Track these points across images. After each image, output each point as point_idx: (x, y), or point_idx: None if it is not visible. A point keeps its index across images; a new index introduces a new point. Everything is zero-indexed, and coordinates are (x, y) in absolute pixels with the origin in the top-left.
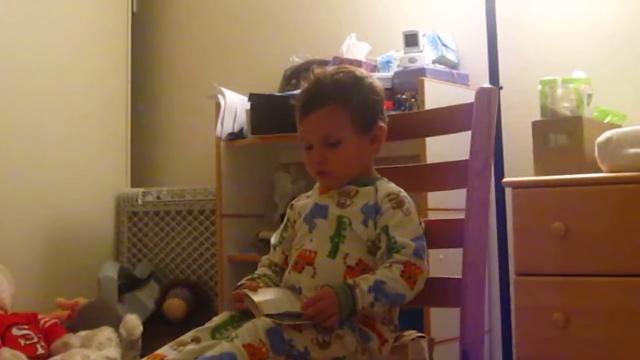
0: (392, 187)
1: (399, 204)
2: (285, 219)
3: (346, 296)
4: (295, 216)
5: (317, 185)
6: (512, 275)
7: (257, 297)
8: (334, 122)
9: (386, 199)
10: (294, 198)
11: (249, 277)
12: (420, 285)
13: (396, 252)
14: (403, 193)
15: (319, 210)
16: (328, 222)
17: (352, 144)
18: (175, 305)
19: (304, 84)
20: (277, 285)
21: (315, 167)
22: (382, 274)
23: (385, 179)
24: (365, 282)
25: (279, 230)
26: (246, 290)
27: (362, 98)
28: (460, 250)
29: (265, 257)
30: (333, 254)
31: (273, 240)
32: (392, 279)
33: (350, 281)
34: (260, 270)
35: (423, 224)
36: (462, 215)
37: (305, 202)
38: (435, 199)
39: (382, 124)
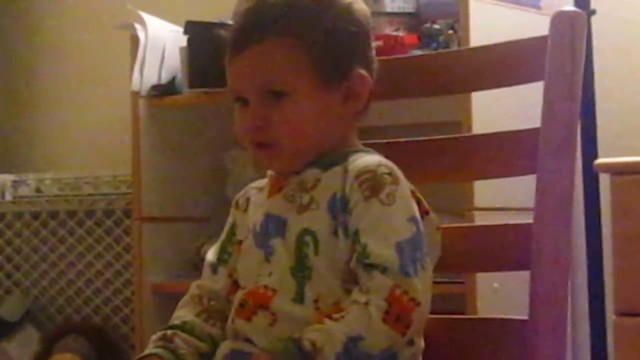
0: (368, 160)
1: (373, 187)
2: (230, 223)
3: None
4: (245, 225)
5: (269, 172)
6: (609, 315)
7: None
8: (279, 62)
9: (355, 183)
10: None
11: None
12: (417, 324)
13: (369, 269)
14: (385, 168)
15: (274, 225)
16: (286, 245)
17: (309, 99)
18: None
19: (242, 6)
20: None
21: (250, 137)
22: (354, 321)
23: (369, 151)
24: (329, 344)
25: (220, 240)
26: None
27: (329, 28)
28: (526, 275)
29: (196, 283)
30: (300, 296)
31: (211, 256)
32: (370, 330)
33: (305, 343)
34: (181, 315)
35: (432, 216)
36: (529, 219)
37: (257, 202)
38: (486, 193)
39: (361, 70)
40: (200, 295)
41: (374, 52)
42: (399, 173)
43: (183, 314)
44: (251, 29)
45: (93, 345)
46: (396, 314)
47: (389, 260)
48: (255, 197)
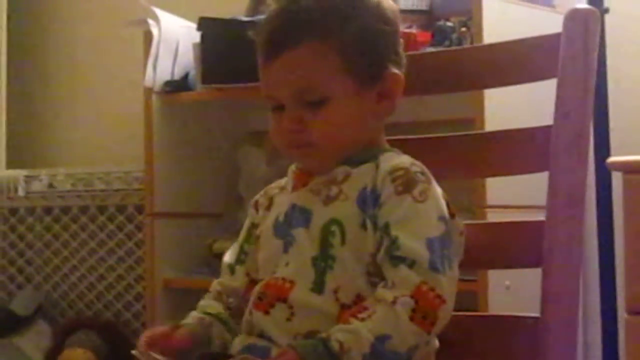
0: (402, 160)
1: (407, 184)
2: (248, 224)
3: None
4: (264, 222)
5: (292, 168)
6: (621, 313)
7: None
8: (316, 68)
9: (388, 177)
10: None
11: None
12: (442, 322)
13: (397, 262)
14: (417, 167)
15: (298, 216)
16: (310, 234)
17: (345, 103)
18: (78, 359)
19: (272, 7)
20: (231, 332)
21: (287, 139)
22: (382, 321)
23: (397, 151)
24: (357, 344)
25: (238, 242)
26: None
27: (362, 29)
28: (538, 272)
29: (217, 281)
30: (319, 286)
31: (228, 258)
32: (398, 328)
33: (333, 343)
34: (205, 304)
35: (459, 221)
36: (541, 217)
37: (279, 200)
38: (499, 190)
39: (395, 69)
40: (220, 292)
41: (403, 49)
42: (429, 174)
43: (207, 305)
44: (285, 33)
45: (104, 340)
46: (423, 312)
47: (418, 254)
48: (278, 195)
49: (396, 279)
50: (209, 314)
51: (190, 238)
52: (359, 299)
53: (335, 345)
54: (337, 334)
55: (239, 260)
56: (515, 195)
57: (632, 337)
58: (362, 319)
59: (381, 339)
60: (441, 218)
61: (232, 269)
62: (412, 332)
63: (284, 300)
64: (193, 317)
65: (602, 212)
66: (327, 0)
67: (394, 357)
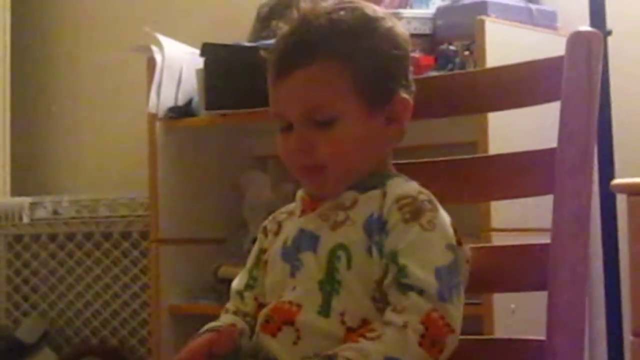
0: (409, 187)
1: (415, 213)
2: (256, 249)
3: None
4: (272, 247)
5: (300, 193)
6: (627, 336)
7: None
8: (327, 87)
9: (395, 205)
10: (273, 212)
11: (213, 324)
12: (449, 350)
13: (406, 290)
14: (425, 196)
15: (307, 240)
16: (318, 258)
17: (354, 124)
18: None
19: (283, 27)
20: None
21: (297, 159)
22: (391, 342)
23: (404, 177)
24: None
25: (247, 268)
26: None
27: (374, 52)
28: (543, 295)
29: (231, 303)
30: (325, 309)
31: (236, 284)
32: (407, 353)
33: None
34: (226, 318)
35: (466, 249)
36: (546, 239)
37: (288, 225)
38: (503, 213)
39: (404, 94)
40: (237, 310)
41: (412, 75)
42: (436, 202)
43: (229, 319)
44: (298, 51)
45: None
46: (432, 339)
47: (427, 283)
48: (287, 220)
49: (406, 303)
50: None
51: (195, 264)
52: (364, 323)
53: None
54: (346, 352)
55: (248, 285)
56: (520, 218)
57: (638, 359)
58: (371, 339)
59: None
60: (449, 246)
61: (241, 295)
62: (420, 357)
63: (291, 323)
64: (224, 322)
65: (607, 235)
66: (340, 21)
67: None
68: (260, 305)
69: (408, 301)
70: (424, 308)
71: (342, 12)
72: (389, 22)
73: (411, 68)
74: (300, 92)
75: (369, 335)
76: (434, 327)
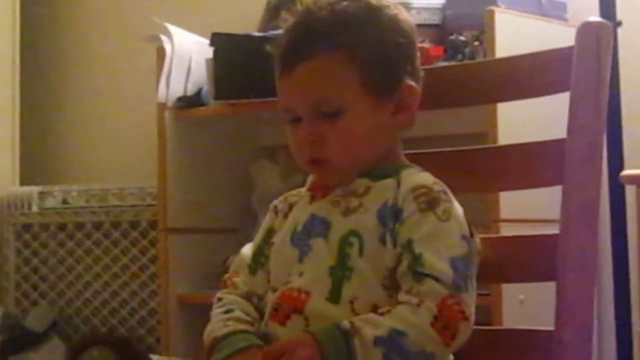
0: (425, 178)
1: (430, 203)
2: (266, 226)
3: (338, 349)
4: (282, 230)
5: (310, 178)
6: (635, 327)
7: None
8: (332, 78)
9: (411, 195)
10: None
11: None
12: (463, 337)
13: (421, 277)
14: (440, 187)
15: (317, 226)
16: (328, 244)
17: (362, 115)
18: None
19: (289, 19)
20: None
21: (305, 152)
22: (402, 317)
23: (417, 167)
24: (372, 327)
25: (256, 242)
26: None
27: (378, 41)
28: (552, 286)
29: (242, 276)
30: (335, 296)
31: (247, 250)
32: (417, 329)
33: (345, 324)
34: (238, 308)
35: (477, 240)
36: (554, 230)
37: (298, 207)
38: (512, 204)
39: (411, 82)
40: (247, 293)
41: (419, 62)
42: (450, 193)
43: (238, 309)
44: (302, 44)
45: (119, 357)
46: (445, 322)
47: (443, 272)
48: (298, 204)
49: (422, 288)
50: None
51: (204, 253)
52: (374, 310)
53: (345, 324)
54: (353, 319)
55: (260, 262)
56: (528, 209)
57: None
58: (382, 313)
59: (398, 332)
60: (464, 237)
61: (252, 270)
62: (429, 337)
63: (300, 311)
64: (239, 317)
65: (616, 226)
66: (343, 12)
67: (403, 355)
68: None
69: (424, 286)
70: (441, 293)
71: (345, 3)
72: (394, 10)
73: (418, 54)
74: (306, 85)
75: (379, 311)
76: (449, 311)
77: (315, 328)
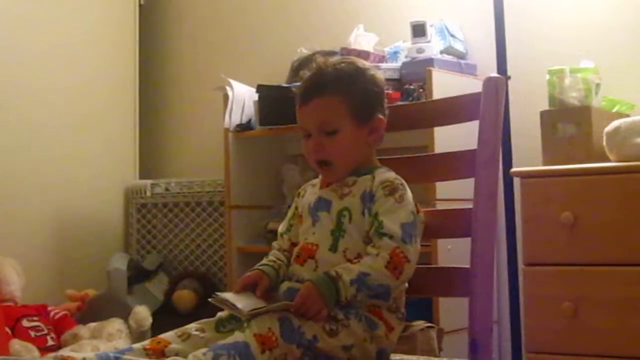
0: (389, 175)
1: (391, 191)
2: (293, 207)
3: (329, 289)
4: (303, 206)
5: (320, 176)
6: (520, 265)
7: (238, 303)
8: (332, 110)
9: (380, 186)
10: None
11: (262, 262)
12: (407, 274)
13: (382, 236)
14: (399, 181)
15: (323, 204)
16: (330, 215)
17: (349, 134)
18: (185, 296)
19: (306, 73)
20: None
21: (313, 156)
22: (366, 264)
23: (386, 168)
24: (348, 273)
25: (287, 218)
26: (226, 295)
27: (362, 89)
28: (469, 240)
29: (276, 242)
30: (334, 248)
31: (281, 228)
32: (376, 271)
33: (332, 272)
34: (273, 255)
35: (422, 214)
36: (470, 205)
37: (311, 192)
38: (444, 189)
39: (380, 115)
40: (279, 247)
41: (386, 102)
42: (406, 185)
43: (275, 255)
44: (314, 88)
45: (201, 285)
46: (394, 264)
47: (395, 232)
48: (310, 189)
49: (380, 243)
50: (272, 261)
51: (253, 220)
52: (359, 256)
53: (332, 272)
54: (337, 268)
55: (287, 230)
56: (454, 192)
57: (527, 281)
58: (354, 262)
59: (364, 274)
60: (411, 212)
61: (282, 236)
62: (384, 275)
63: (312, 257)
64: (269, 260)
65: (508, 203)
66: (341, 70)
67: (369, 288)
68: (293, 244)
69: (381, 242)
70: (392, 245)
71: (343, 64)
72: (372, 71)
73: (386, 100)
74: (315, 113)
75: (354, 260)
76: (397, 258)
77: (314, 275)
